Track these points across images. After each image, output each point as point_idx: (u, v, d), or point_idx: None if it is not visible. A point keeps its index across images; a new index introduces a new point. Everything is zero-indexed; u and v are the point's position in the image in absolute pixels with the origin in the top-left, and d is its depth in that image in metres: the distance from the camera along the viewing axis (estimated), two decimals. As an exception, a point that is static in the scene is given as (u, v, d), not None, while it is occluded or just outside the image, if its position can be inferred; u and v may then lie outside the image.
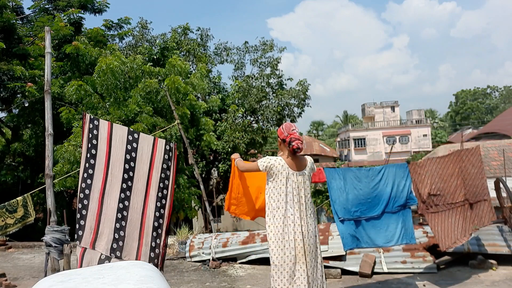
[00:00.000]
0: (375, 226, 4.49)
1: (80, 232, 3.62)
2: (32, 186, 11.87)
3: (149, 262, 3.79)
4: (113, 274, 2.03)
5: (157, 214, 3.89)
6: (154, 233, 3.86)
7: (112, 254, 3.69)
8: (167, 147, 3.99)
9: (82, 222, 3.62)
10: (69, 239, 3.92)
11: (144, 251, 3.82)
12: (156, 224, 3.87)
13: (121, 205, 3.75)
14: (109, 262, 3.65)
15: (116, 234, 3.71)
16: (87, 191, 3.65)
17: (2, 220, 6.53)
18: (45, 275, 3.54)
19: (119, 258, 3.72)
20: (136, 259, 3.78)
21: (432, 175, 4.67)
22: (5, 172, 12.32)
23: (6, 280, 5.60)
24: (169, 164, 3.98)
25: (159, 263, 3.90)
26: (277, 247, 3.31)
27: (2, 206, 6.58)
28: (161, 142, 3.99)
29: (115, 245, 3.72)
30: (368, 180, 4.51)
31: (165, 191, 3.94)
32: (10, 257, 7.61)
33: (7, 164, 13.45)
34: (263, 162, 3.42)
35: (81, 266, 3.56)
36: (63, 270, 3.31)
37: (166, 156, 3.97)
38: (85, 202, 3.64)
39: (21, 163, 13.80)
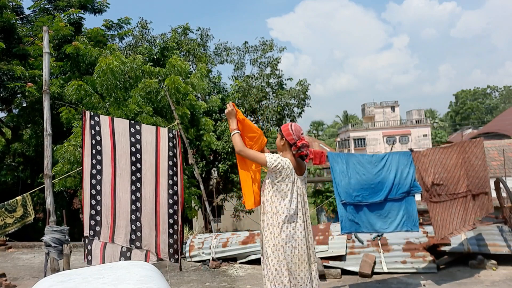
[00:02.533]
0: (377, 211, 4.50)
1: (97, 228, 3.68)
2: (32, 186, 11.85)
3: (168, 248, 3.87)
4: (113, 274, 2.03)
5: (171, 201, 3.91)
6: (171, 220, 3.88)
7: (132, 245, 3.78)
8: (170, 135, 4.00)
9: (98, 218, 3.68)
10: (68, 239, 3.92)
11: (163, 238, 3.86)
12: (171, 211, 3.90)
13: (133, 197, 3.79)
14: (130, 253, 3.77)
15: (133, 226, 3.77)
16: (98, 187, 3.70)
17: (1, 220, 6.53)
18: (45, 275, 3.54)
19: (139, 248, 3.80)
20: (156, 247, 3.84)
21: (436, 165, 4.67)
22: (5, 172, 12.31)
23: (6, 280, 5.60)
24: (175, 151, 3.98)
25: (178, 248, 3.94)
26: (279, 252, 3.15)
27: (1, 206, 6.58)
28: (163, 131, 4.00)
29: (133, 236, 3.79)
30: (371, 166, 4.52)
31: (175, 178, 3.95)
32: (10, 257, 7.60)
33: (7, 164, 13.44)
34: (274, 160, 3.12)
35: (103, 261, 3.63)
36: (63, 270, 3.31)
37: (171, 144, 3.97)
38: (98, 197, 3.70)
39: (21, 163, 13.79)
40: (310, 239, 3.31)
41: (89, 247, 3.74)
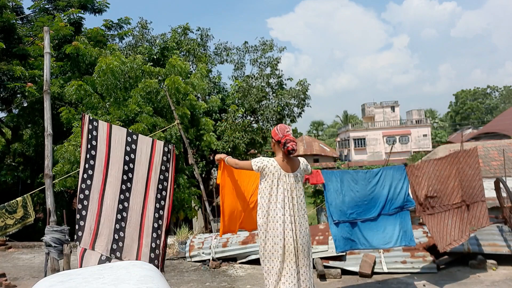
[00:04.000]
0: (372, 228, 4.50)
1: (79, 233, 3.62)
2: (32, 186, 11.86)
3: (149, 263, 3.80)
4: (113, 274, 2.03)
5: (156, 215, 3.89)
6: (154, 234, 3.86)
7: (112, 255, 3.69)
8: (166, 149, 3.99)
9: (81, 223, 3.62)
10: (69, 239, 3.92)
11: (144, 252, 3.82)
12: (155, 225, 3.87)
13: (120, 206, 3.75)
14: (109, 262, 3.65)
15: (116, 235, 3.71)
16: (87, 192, 3.66)
17: (1, 221, 6.52)
18: (45, 275, 3.54)
19: (119, 258, 3.72)
20: (136, 259, 3.78)
21: (429, 177, 4.67)
22: (5, 172, 12.30)
23: (6, 280, 5.60)
24: (168, 166, 3.97)
25: (159, 264, 3.90)
26: (267, 247, 3.35)
27: (1, 207, 6.57)
28: (159, 144, 3.99)
29: (115, 246, 3.72)
30: (365, 183, 4.53)
31: (164, 193, 3.94)
32: (10, 257, 7.60)
33: (7, 164, 13.44)
34: (257, 162, 3.45)
35: (81, 267, 3.57)
36: (63, 270, 3.31)
37: (165, 158, 3.96)
38: (85, 202, 3.65)
39: (21, 163, 13.79)
40: (300, 234, 3.38)
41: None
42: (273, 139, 3.55)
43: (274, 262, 3.32)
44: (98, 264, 3.64)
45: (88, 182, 3.67)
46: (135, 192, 3.82)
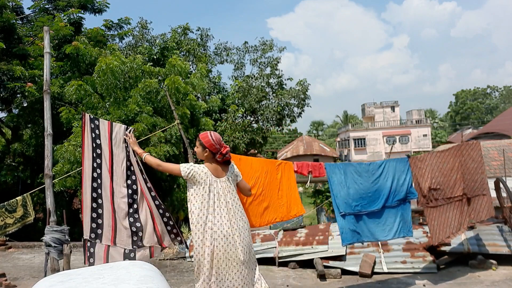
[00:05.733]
0: (375, 220, 4.50)
1: (99, 231, 3.73)
2: (32, 186, 11.84)
3: (169, 235, 3.97)
4: (113, 274, 2.03)
5: (153, 193, 3.96)
6: (160, 211, 3.95)
7: (134, 247, 3.82)
8: (121, 128, 3.95)
9: (99, 221, 3.74)
10: (68, 239, 3.93)
11: (161, 229, 3.92)
12: (157, 202, 3.95)
13: (130, 200, 3.85)
14: (135, 254, 3.80)
15: (133, 227, 3.82)
16: (99, 190, 3.75)
17: (1, 220, 6.51)
18: (45, 275, 3.54)
19: (142, 247, 3.84)
20: (158, 239, 3.89)
21: (433, 169, 4.67)
22: (5, 172, 12.29)
23: (6, 280, 5.60)
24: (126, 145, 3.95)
25: (178, 231, 4.00)
26: (202, 255, 3.20)
27: (1, 206, 6.57)
28: (116, 126, 3.92)
29: (135, 238, 3.84)
30: (368, 175, 4.52)
31: (144, 175, 3.97)
32: (10, 257, 7.60)
33: (7, 164, 13.43)
34: (186, 168, 3.30)
35: (107, 262, 3.64)
36: (63, 270, 3.31)
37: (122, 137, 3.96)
38: (100, 201, 3.75)
39: (21, 163, 13.78)
40: (239, 237, 3.25)
41: (91, 249, 3.75)
42: (206, 149, 3.36)
43: (206, 267, 3.18)
44: (124, 258, 3.76)
45: (99, 180, 3.76)
46: (138, 184, 3.91)
